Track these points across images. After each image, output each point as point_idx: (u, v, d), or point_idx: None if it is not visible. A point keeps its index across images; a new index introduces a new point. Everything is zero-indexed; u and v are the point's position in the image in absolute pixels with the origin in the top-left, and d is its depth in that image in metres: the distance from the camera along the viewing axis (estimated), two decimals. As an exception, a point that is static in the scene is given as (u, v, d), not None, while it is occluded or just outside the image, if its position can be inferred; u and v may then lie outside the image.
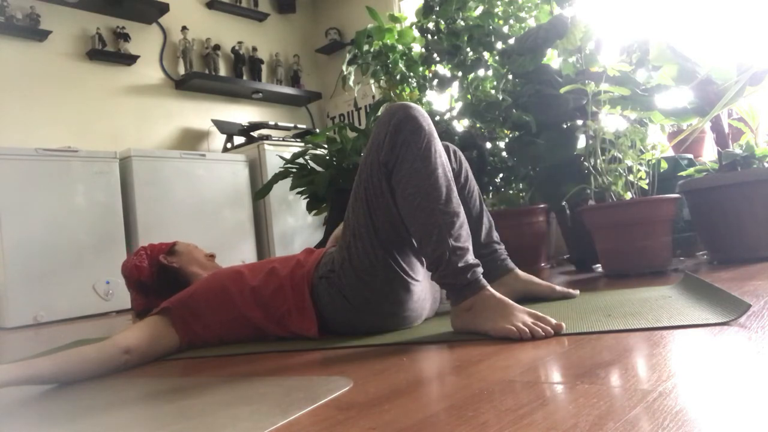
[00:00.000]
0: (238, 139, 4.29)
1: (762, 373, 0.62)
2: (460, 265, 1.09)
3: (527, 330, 0.98)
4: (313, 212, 2.81)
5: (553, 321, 1.00)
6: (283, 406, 0.73)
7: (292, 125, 4.43)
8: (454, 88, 2.63)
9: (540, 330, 0.98)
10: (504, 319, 1.02)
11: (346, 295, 1.23)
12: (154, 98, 4.11)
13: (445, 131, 2.47)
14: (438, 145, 1.18)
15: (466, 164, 1.53)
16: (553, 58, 2.51)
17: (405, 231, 1.19)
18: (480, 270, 1.12)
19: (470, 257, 1.12)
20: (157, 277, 1.49)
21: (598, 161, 1.99)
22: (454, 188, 1.16)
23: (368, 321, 1.25)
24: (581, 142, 2.22)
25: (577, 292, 1.49)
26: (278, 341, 1.31)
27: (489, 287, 1.10)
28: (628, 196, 1.98)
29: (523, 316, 1.02)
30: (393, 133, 1.15)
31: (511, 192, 2.55)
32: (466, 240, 1.13)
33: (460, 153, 1.53)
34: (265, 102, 4.78)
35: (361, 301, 1.22)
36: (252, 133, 4.20)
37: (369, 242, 1.19)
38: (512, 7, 2.54)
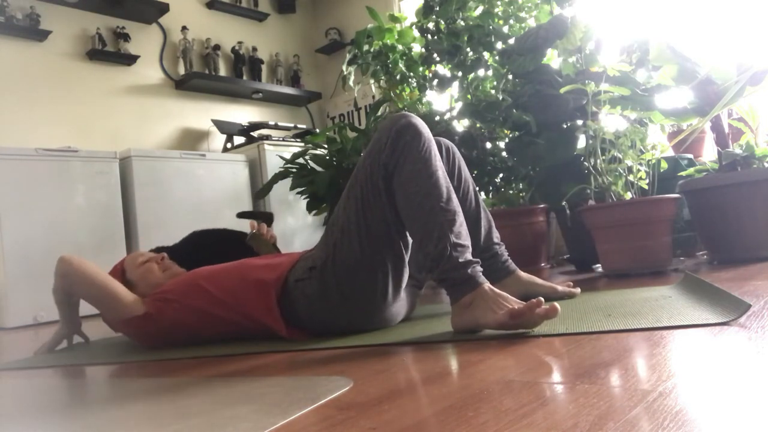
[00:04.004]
0: (238, 139, 4.29)
1: (762, 373, 0.62)
2: (461, 260, 1.11)
3: (524, 318, 0.99)
4: (313, 212, 2.80)
5: (546, 306, 1.00)
6: (283, 406, 0.73)
7: (292, 125, 4.43)
8: (454, 88, 2.63)
9: (536, 317, 0.99)
10: (501, 309, 1.04)
11: (326, 292, 1.26)
12: (154, 98, 4.11)
13: (445, 131, 2.47)
14: (437, 152, 1.23)
15: (460, 163, 1.51)
16: (553, 58, 2.51)
17: (396, 233, 1.23)
18: (479, 268, 1.14)
19: (469, 254, 1.14)
20: None
21: (598, 161, 1.99)
22: (453, 191, 1.21)
23: (344, 319, 1.28)
24: (581, 142, 2.22)
25: (578, 289, 1.49)
26: (278, 341, 1.31)
27: (488, 283, 1.11)
28: (628, 196, 1.98)
29: (519, 305, 1.04)
30: (395, 138, 1.20)
31: (511, 192, 2.55)
32: (465, 238, 1.16)
33: (454, 150, 1.52)
34: (265, 102, 4.78)
35: (340, 298, 1.25)
36: (252, 133, 4.20)
37: (358, 240, 1.23)
38: (512, 7, 2.54)
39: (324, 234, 1.32)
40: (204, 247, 1.92)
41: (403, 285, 1.31)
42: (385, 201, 1.22)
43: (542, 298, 1.00)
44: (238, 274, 1.36)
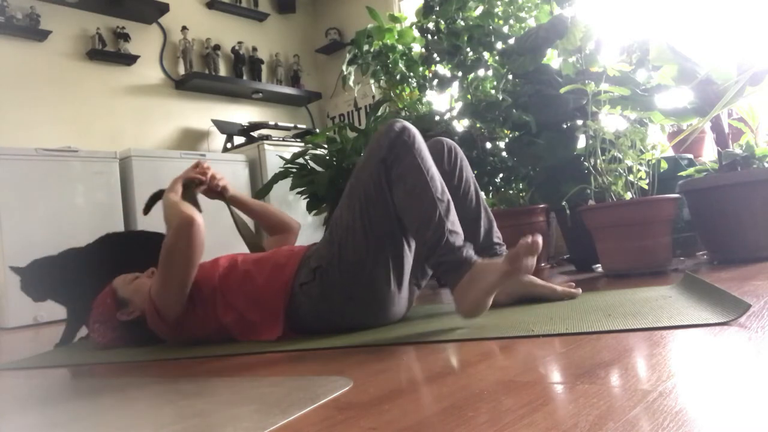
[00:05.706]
0: (238, 139, 4.29)
1: (762, 373, 0.62)
2: (457, 244, 1.18)
3: (519, 256, 1.07)
4: (313, 212, 2.80)
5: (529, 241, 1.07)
6: (283, 406, 0.73)
7: (292, 125, 4.43)
8: (454, 88, 2.63)
9: (524, 249, 1.07)
10: (498, 267, 1.10)
11: (330, 291, 1.29)
12: (154, 98, 4.11)
13: (445, 131, 2.47)
14: (429, 154, 1.30)
15: (462, 162, 1.52)
16: (553, 58, 2.51)
17: (398, 229, 1.29)
18: (472, 250, 1.20)
19: (462, 240, 1.21)
20: (130, 333, 1.49)
21: (598, 161, 1.99)
22: (446, 187, 1.28)
23: (349, 318, 1.32)
24: (581, 142, 2.22)
25: (579, 290, 1.46)
26: (278, 342, 1.31)
27: (480, 260, 1.18)
28: (628, 196, 1.97)
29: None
30: (393, 137, 1.28)
31: (511, 192, 2.55)
32: (459, 226, 1.23)
33: (457, 149, 1.53)
34: (265, 102, 4.78)
35: (345, 296, 1.29)
36: (252, 133, 4.20)
37: (363, 237, 1.28)
38: (512, 7, 2.54)
39: (328, 234, 1.35)
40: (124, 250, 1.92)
41: (406, 281, 1.34)
42: (389, 197, 1.27)
43: (532, 248, 1.07)
44: (244, 281, 1.39)
